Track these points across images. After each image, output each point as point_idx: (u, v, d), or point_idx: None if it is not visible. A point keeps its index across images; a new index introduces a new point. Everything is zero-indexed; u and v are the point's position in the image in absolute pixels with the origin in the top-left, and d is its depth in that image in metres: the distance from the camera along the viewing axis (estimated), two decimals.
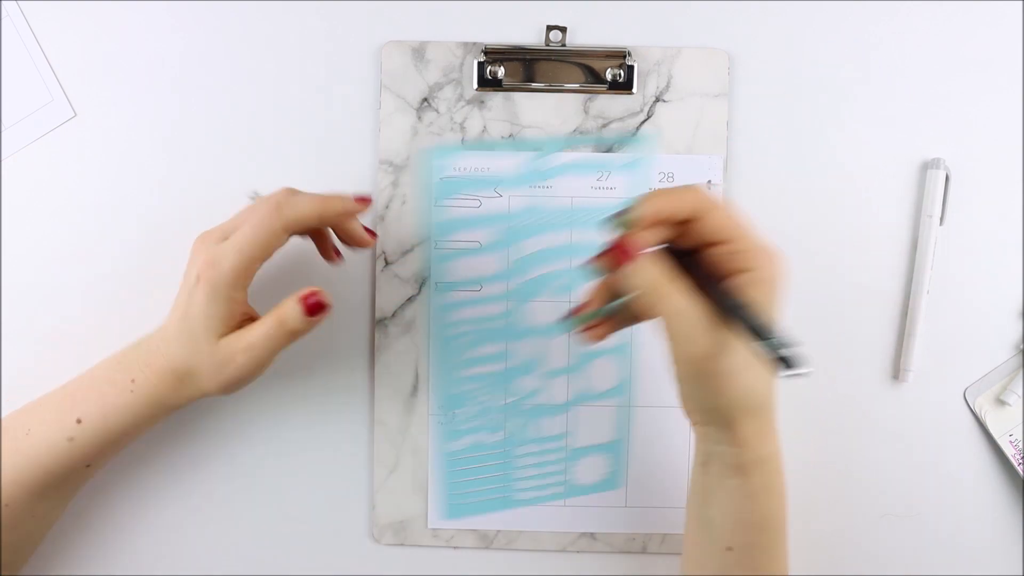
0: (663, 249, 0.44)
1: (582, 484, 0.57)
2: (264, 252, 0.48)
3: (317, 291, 0.48)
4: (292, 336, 0.48)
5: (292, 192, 0.49)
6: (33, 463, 0.49)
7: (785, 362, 0.39)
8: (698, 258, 0.44)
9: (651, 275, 0.42)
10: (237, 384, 0.49)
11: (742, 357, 0.42)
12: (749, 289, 0.43)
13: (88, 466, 0.51)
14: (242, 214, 0.49)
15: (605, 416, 0.56)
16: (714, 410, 0.44)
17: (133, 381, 0.50)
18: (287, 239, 0.49)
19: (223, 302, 0.48)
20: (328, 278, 0.57)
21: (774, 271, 0.43)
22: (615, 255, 0.43)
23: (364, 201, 0.50)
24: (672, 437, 0.56)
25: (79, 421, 0.50)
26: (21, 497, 0.50)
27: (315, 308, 0.48)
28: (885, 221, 0.56)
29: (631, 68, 0.56)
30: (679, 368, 0.43)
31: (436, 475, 0.57)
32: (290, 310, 0.48)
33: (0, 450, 0.50)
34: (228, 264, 0.47)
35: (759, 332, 0.40)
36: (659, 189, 0.46)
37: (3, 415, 0.52)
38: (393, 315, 0.56)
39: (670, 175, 0.56)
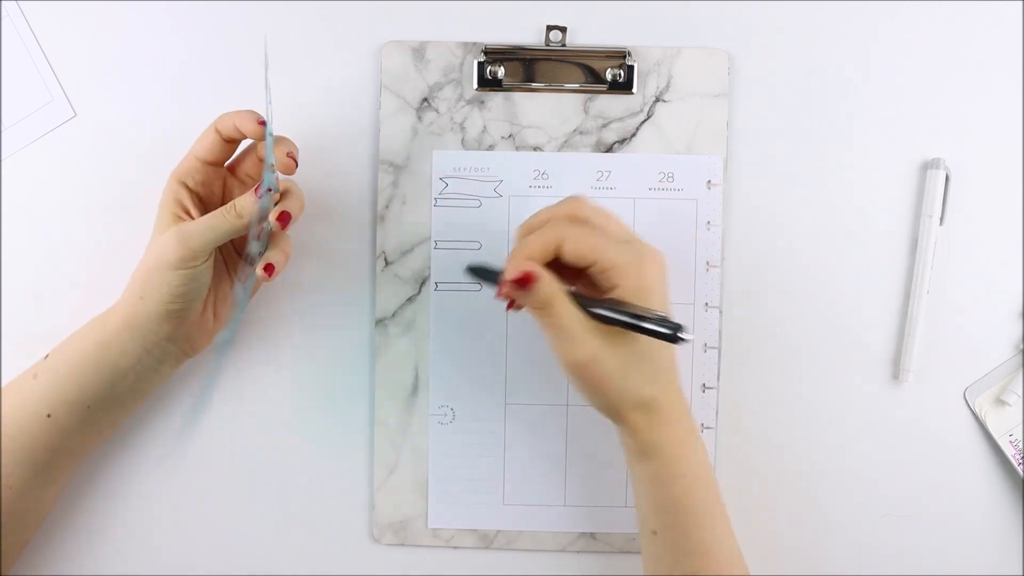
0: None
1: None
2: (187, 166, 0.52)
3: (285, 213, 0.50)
4: (236, 219, 0.50)
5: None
6: (5, 416, 0.50)
7: (670, 336, 0.43)
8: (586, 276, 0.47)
9: (546, 292, 0.45)
10: (187, 285, 0.50)
11: (618, 362, 0.46)
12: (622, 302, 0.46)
13: (49, 416, 0.50)
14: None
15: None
16: (603, 407, 0.48)
17: (105, 313, 0.52)
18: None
19: (172, 202, 0.51)
20: (328, 278, 0.57)
21: (640, 281, 0.45)
22: (520, 284, 0.45)
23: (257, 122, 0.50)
24: None
25: (45, 357, 0.51)
26: (10, 469, 0.50)
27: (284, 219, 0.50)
28: (885, 221, 0.56)
29: (631, 68, 0.56)
30: (566, 373, 0.47)
31: (435, 475, 0.57)
32: (246, 199, 0.50)
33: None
34: (177, 170, 0.52)
35: (635, 322, 0.44)
36: (526, 226, 0.48)
37: None
38: (393, 315, 0.56)
39: (670, 175, 0.56)
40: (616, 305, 0.45)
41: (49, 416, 0.50)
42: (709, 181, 0.56)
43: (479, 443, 0.57)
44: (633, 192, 0.56)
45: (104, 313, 0.52)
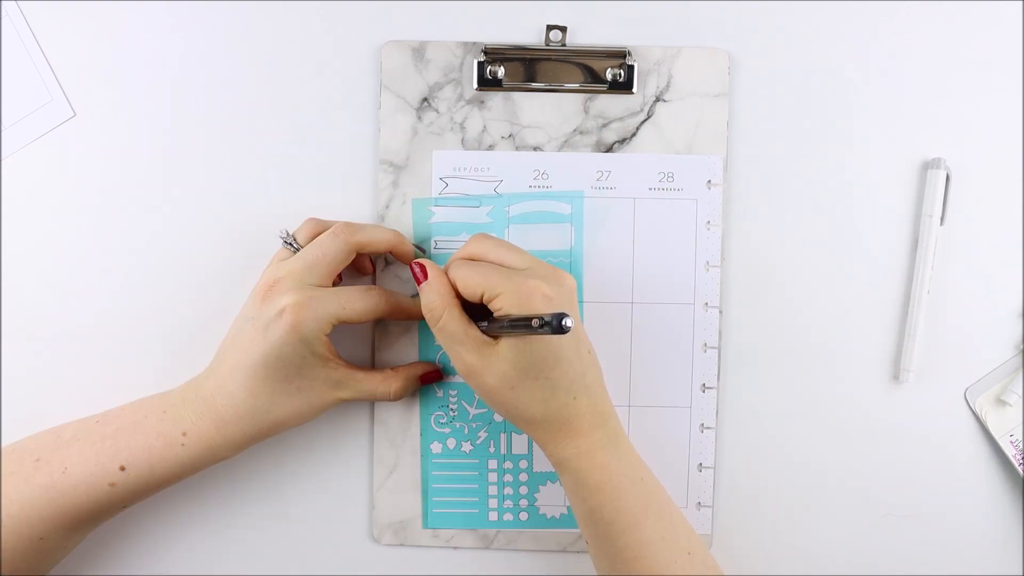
0: None
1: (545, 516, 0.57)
2: (333, 267, 0.51)
3: (436, 368, 0.55)
4: (391, 399, 0.54)
5: (383, 291, 0.52)
6: (71, 502, 0.49)
7: (554, 327, 0.42)
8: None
9: (432, 296, 0.49)
10: (320, 412, 0.52)
11: (501, 380, 0.47)
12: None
13: (124, 507, 0.51)
14: (324, 247, 0.50)
15: None
16: (505, 417, 0.51)
17: (184, 435, 0.50)
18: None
19: (318, 344, 0.49)
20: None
21: (518, 301, 0.47)
22: (416, 273, 0.50)
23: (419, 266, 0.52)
24: (670, 438, 0.56)
25: (123, 468, 0.49)
26: (56, 532, 0.49)
27: (431, 379, 0.55)
28: (885, 221, 0.56)
29: (631, 68, 0.56)
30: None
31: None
32: (409, 380, 0.54)
33: (34, 484, 0.49)
34: (327, 313, 0.49)
35: (517, 324, 0.45)
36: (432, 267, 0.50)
37: (29, 434, 0.52)
38: None
39: (670, 175, 0.56)
40: (499, 319, 0.47)
41: (124, 507, 0.51)
42: (709, 181, 0.56)
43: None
44: (633, 192, 0.56)
45: (184, 433, 0.50)
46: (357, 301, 0.50)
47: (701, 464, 0.56)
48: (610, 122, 0.56)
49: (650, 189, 0.56)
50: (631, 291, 0.56)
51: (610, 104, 0.56)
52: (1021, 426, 0.56)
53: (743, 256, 0.56)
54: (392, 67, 0.56)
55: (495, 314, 0.48)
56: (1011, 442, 0.56)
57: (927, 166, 0.56)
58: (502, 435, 0.56)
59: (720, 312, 0.56)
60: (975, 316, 0.56)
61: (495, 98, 0.56)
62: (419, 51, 0.56)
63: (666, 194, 0.56)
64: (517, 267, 0.49)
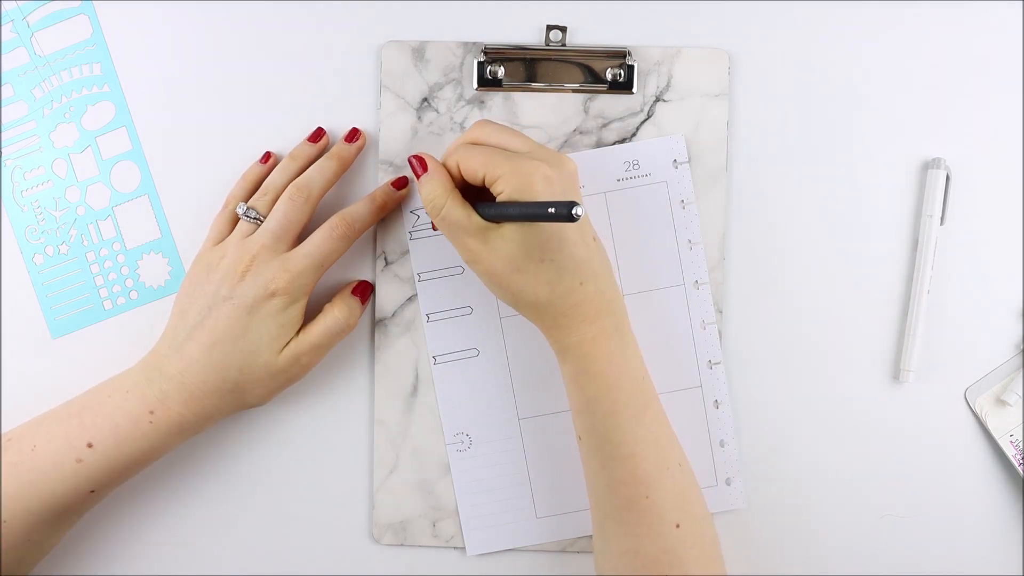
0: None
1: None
2: (331, 261, 0.52)
3: (363, 282, 0.55)
4: (349, 329, 0.53)
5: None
6: (38, 480, 0.49)
7: (562, 216, 0.43)
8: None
9: (432, 187, 0.49)
10: (286, 387, 0.53)
11: (511, 260, 0.47)
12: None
13: (92, 492, 0.50)
14: (288, 216, 0.52)
15: None
16: (508, 304, 0.50)
17: (152, 413, 0.50)
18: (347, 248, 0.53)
19: (299, 311, 0.51)
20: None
21: (518, 182, 0.47)
22: (415, 166, 0.50)
23: (401, 183, 0.55)
24: (686, 419, 0.56)
25: (90, 445, 0.49)
26: (20, 516, 0.49)
27: (364, 293, 0.55)
28: (885, 221, 0.56)
29: (631, 68, 0.56)
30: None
31: (464, 503, 0.56)
32: (349, 304, 0.53)
33: (1, 463, 0.49)
34: (311, 279, 0.51)
35: (526, 211, 0.45)
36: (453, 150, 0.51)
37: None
38: (393, 315, 0.56)
39: (635, 163, 0.56)
40: (505, 203, 0.47)
41: (92, 492, 0.50)
42: (675, 160, 0.56)
43: (501, 463, 0.56)
44: (602, 186, 0.56)
45: (152, 412, 0.50)
46: (327, 246, 0.51)
47: (723, 440, 0.56)
48: (610, 122, 0.56)
49: (618, 180, 0.56)
50: (619, 283, 0.56)
51: (610, 104, 0.56)
52: (1021, 426, 0.56)
53: (744, 256, 0.56)
54: (392, 67, 0.56)
55: (498, 198, 0.47)
56: (1011, 442, 0.56)
57: (927, 166, 0.56)
58: None
59: (720, 313, 0.56)
60: (975, 316, 0.56)
61: (495, 98, 0.56)
62: (419, 51, 0.56)
63: (635, 182, 0.56)
64: (519, 150, 0.49)
